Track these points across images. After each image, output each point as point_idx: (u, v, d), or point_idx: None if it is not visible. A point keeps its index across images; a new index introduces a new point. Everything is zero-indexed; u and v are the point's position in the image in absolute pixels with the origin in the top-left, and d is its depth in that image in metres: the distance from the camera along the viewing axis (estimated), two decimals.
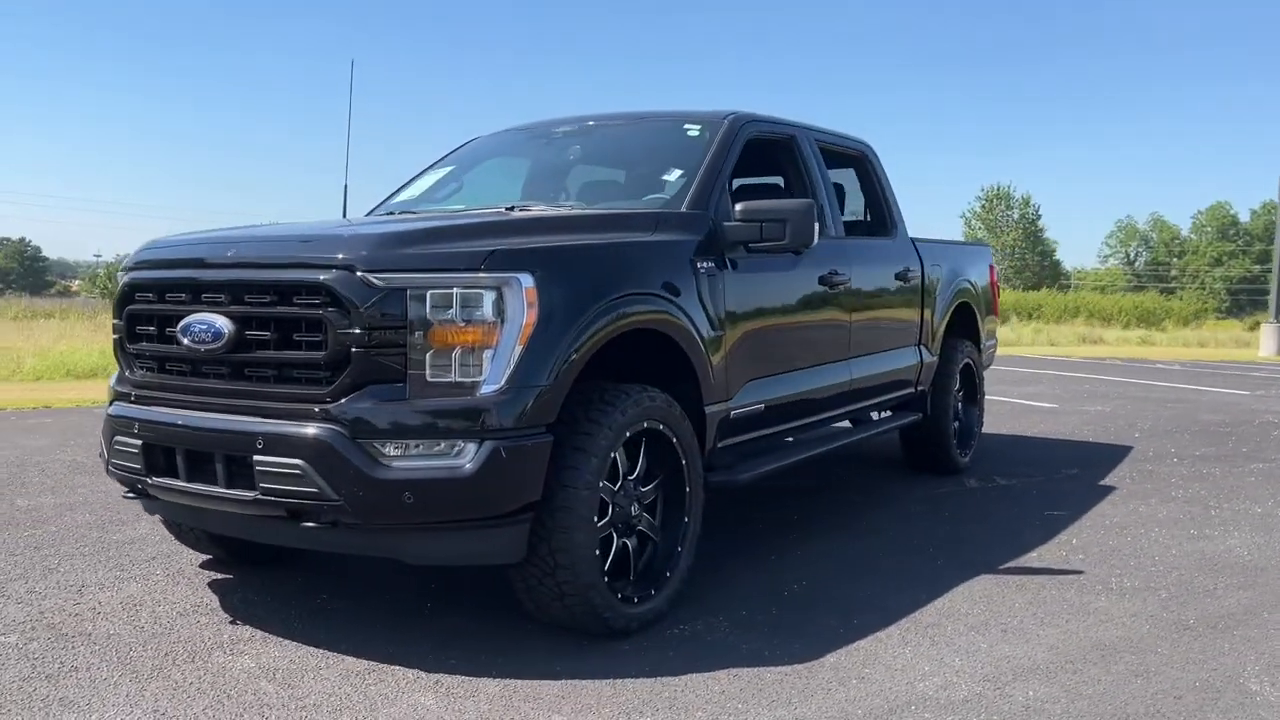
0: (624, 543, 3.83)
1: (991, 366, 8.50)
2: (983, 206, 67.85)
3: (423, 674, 3.40)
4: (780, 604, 4.17)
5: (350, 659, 3.52)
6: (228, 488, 3.48)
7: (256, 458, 3.38)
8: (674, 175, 4.66)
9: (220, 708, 3.12)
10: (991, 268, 7.70)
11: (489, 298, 3.35)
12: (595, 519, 3.56)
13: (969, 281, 7.09)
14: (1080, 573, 4.67)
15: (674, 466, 3.99)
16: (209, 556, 4.63)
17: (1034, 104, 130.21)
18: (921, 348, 6.37)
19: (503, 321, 3.36)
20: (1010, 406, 11.00)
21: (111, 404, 3.93)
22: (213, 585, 4.30)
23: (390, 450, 3.30)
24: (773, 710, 3.15)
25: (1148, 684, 3.39)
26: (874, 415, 6.31)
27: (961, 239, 8.47)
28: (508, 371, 3.34)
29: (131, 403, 3.83)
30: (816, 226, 4.47)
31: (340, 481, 3.29)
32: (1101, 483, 6.71)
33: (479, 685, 3.32)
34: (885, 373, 5.91)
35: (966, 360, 7.00)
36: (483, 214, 4.40)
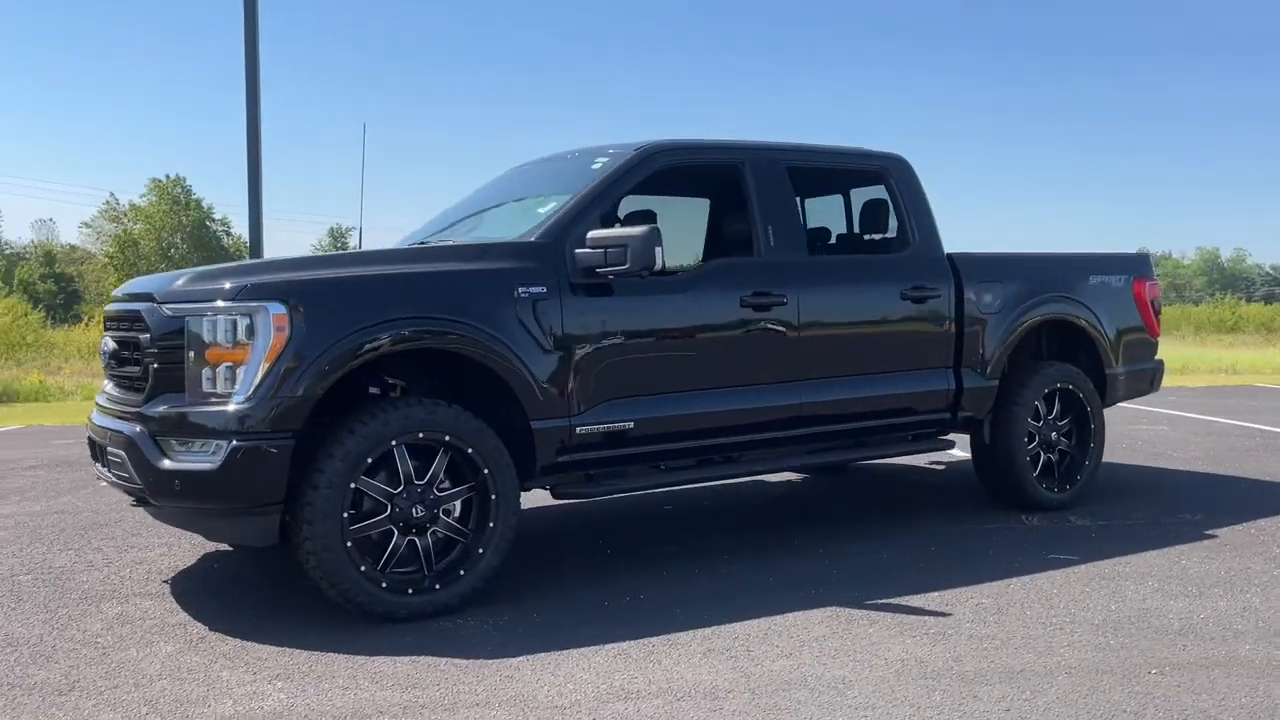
0: (411, 540, 4.27)
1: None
2: None
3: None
4: (583, 612, 4.34)
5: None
6: (109, 475, 4.50)
7: (109, 449, 4.37)
8: (547, 207, 4.99)
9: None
10: (1140, 283, 6.78)
11: (242, 323, 4.03)
12: (343, 514, 4.06)
13: (1070, 299, 6.36)
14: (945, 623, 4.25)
15: (478, 475, 4.36)
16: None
17: None
18: (962, 371, 5.90)
19: (254, 342, 4.02)
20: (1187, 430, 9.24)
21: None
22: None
23: (175, 446, 4.10)
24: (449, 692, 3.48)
25: None
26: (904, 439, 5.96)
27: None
28: (255, 385, 3.99)
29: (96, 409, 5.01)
30: (659, 251, 4.58)
31: (140, 470, 4.15)
32: (1208, 531, 5.69)
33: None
34: (882, 397, 5.61)
35: (1062, 387, 6.28)
36: (293, 257, 4.93)
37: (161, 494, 4.14)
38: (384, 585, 4.17)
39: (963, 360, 5.92)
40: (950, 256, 5.95)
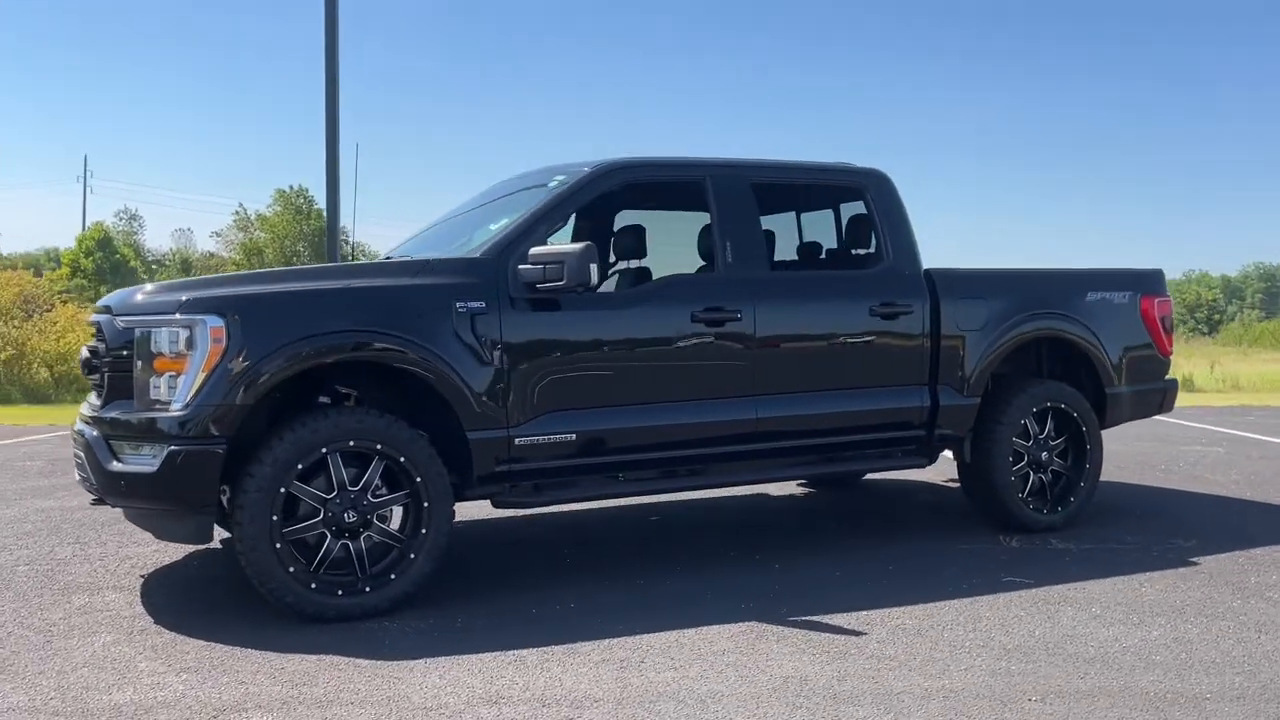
0: (344, 543, 4.47)
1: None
2: None
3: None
4: (506, 619, 4.47)
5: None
6: (77, 474, 4.84)
7: (75, 450, 4.70)
8: (499, 224, 5.14)
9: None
10: (1148, 299, 6.56)
11: (183, 335, 4.30)
12: (272, 517, 4.28)
13: (1063, 316, 6.21)
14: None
15: (412, 483, 4.54)
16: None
17: None
18: (939, 388, 5.83)
19: (192, 353, 4.28)
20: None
21: None
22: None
23: (124, 449, 4.39)
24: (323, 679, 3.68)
25: None
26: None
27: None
28: (192, 393, 4.25)
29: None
30: (594, 267, 4.70)
31: (95, 470, 4.46)
32: (1192, 559, 5.49)
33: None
34: (848, 413, 5.59)
35: (1054, 406, 6.13)
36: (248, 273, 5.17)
37: (111, 493, 4.43)
38: (313, 586, 4.38)
39: (939, 377, 5.84)
40: (928, 272, 5.89)
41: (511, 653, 4.01)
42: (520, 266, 4.78)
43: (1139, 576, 5.11)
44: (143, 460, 4.31)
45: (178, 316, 4.32)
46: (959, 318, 5.90)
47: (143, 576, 5.23)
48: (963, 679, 3.72)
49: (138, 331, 4.39)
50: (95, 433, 4.50)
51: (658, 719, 3.38)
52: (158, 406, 4.31)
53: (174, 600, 4.83)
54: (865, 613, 4.51)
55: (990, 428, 5.99)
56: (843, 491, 7.65)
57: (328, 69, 14.08)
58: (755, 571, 5.25)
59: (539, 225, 4.99)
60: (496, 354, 4.72)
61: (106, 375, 4.53)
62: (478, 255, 4.89)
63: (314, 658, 3.96)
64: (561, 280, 4.69)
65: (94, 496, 4.69)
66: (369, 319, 4.54)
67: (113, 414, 4.45)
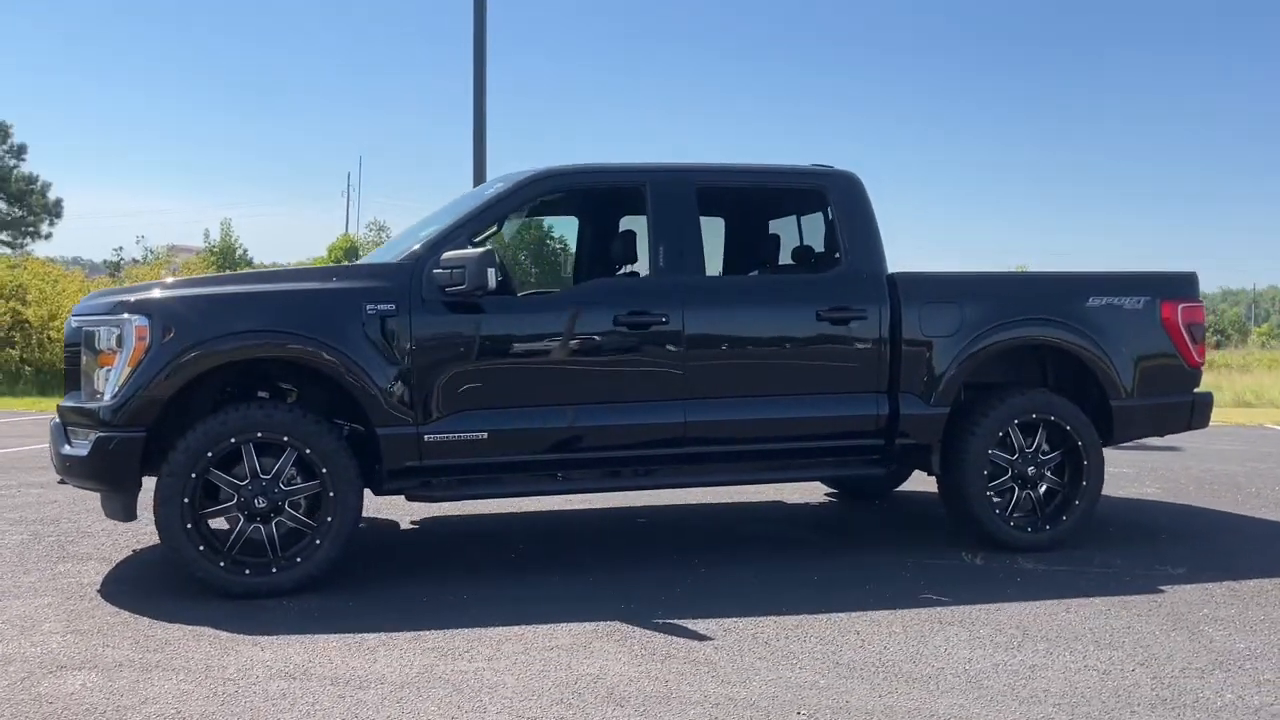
0: (257, 526, 4.85)
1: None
2: None
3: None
4: (394, 605, 4.71)
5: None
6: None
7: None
8: (428, 230, 5.39)
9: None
10: (1171, 305, 6.04)
11: (114, 333, 4.81)
12: (183, 499, 4.71)
13: (1054, 322, 5.82)
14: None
15: (319, 474, 4.87)
16: None
17: None
18: (900, 396, 5.61)
19: (121, 350, 4.78)
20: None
21: None
22: None
23: (75, 435, 4.96)
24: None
25: None
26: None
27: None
28: (118, 386, 4.75)
29: None
30: (491, 272, 4.88)
31: (54, 453, 5.05)
32: (1163, 585, 5.04)
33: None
34: (788, 420, 5.48)
35: (1042, 418, 5.76)
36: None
37: (64, 474, 5.00)
38: (222, 564, 4.78)
39: (900, 384, 5.63)
40: (891, 276, 5.68)
41: (358, 636, 4.25)
42: (434, 270, 5.02)
43: (1075, 601, 4.77)
44: (81, 446, 4.84)
45: (112, 316, 4.84)
46: (924, 323, 5.65)
47: (136, 550, 5.82)
48: (753, 690, 3.65)
49: (85, 330, 4.94)
50: (57, 420, 5.09)
51: (423, 701, 3.53)
52: (96, 397, 4.84)
53: (140, 573, 5.36)
54: (743, 620, 4.45)
55: (962, 439, 5.70)
56: (866, 500, 7.44)
57: (475, 87, 14.84)
58: (671, 573, 5.25)
59: (459, 231, 5.21)
60: (406, 354, 4.97)
61: (67, 369, 5.12)
62: (393, 260, 5.18)
63: (189, 628, 4.34)
64: (462, 284, 4.90)
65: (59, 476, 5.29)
66: (281, 321, 4.90)
67: (69, 403, 5.02)
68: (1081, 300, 5.91)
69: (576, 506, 7.03)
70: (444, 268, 4.97)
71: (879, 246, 5.72)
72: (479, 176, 14.84)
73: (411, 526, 6.57)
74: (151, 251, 38.78)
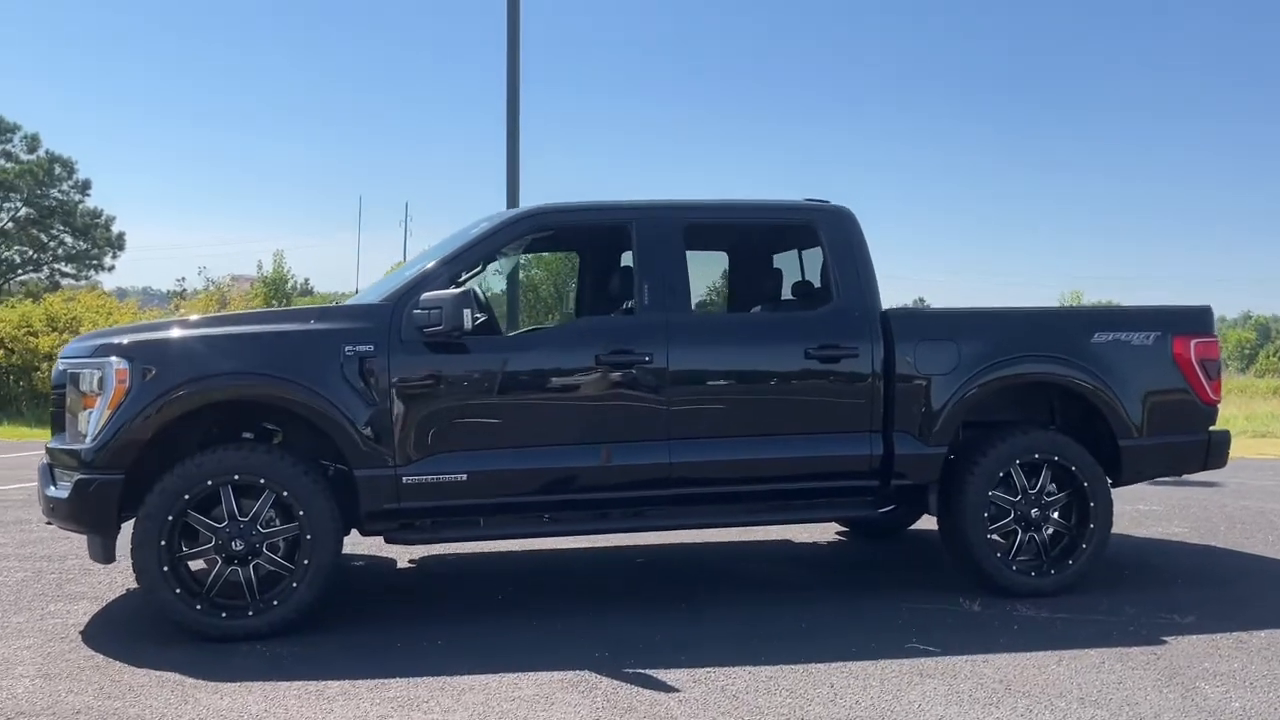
0: (235, 569, 4.84)
1: None
2: None
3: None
4: (366, 651, 4.66)
5: None
6: None
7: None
8: (411, 270, 5.38)
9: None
10: (1183, 340, 5.82)
11: (95, 376, 4.85)
12: (160, 542, 4.72)
13: (1057, 358, 5.64)
14: None
15: (296, 517, 4.85)
16: None
17: None
18: (894, 435, 5.46)
19: (103, 393, 4.82)
20: None
21: None
22: None
23: (58, 476, 5.00)
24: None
25: None
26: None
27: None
28: (99, 428, 4.78)
29: None
30: (468, 313, 4.85)
31: (40, 494, 5.10)
32: (1166, 636, 4.82)
33: None
34: (777, 460, 5.36)
35: (1045, 458, 5.57)
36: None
37: (48, 515, 5.04)
38: (198, 607, 4.77)
39: (895, 423, 5.48)
40: (885, 313, 5.55)
41: (321, 684, 4.20)
42: (413, 311, 5.00)
43: (1069, 653, 4.57)
44: (63, 486, 4.88)
45: (95, 359, 4.88)
46: (919, 361, 5.51)
47: (128, 589, 5.84)
48: None
49: (70, 372, 4.99)
50: (45, 460, 5.14)
51: None
52: (80, 439, 4.88)
53: (128, 614, 5.37)
54: (717, 670, 4.34)
55: (961, 479, 5.53)
56: (877, 539, 7.25)
57: (509, 123, 14.91)
58: (656, 618, 5.14)
59: (441, 271, 5.19)
60: (384, 396, 4.95)
61: (53, 411, 5.17)
62: (375, 301, 5.17)
63: (155, 673, 4.32)
64: (439, 325, 4.87)
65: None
66: (258, 363, 4.91)
67: (55, 445, 5.07)
68: (1086, 336, 5.72)
69: (576, 544, 6.94)
70: (423, 308, 4.95)
71: (871, 283, 5.59)
72: (512, 204, 14.92)
73: (409, 565, 6.54)
74: (213, 281, 39.71)
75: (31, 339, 20.56)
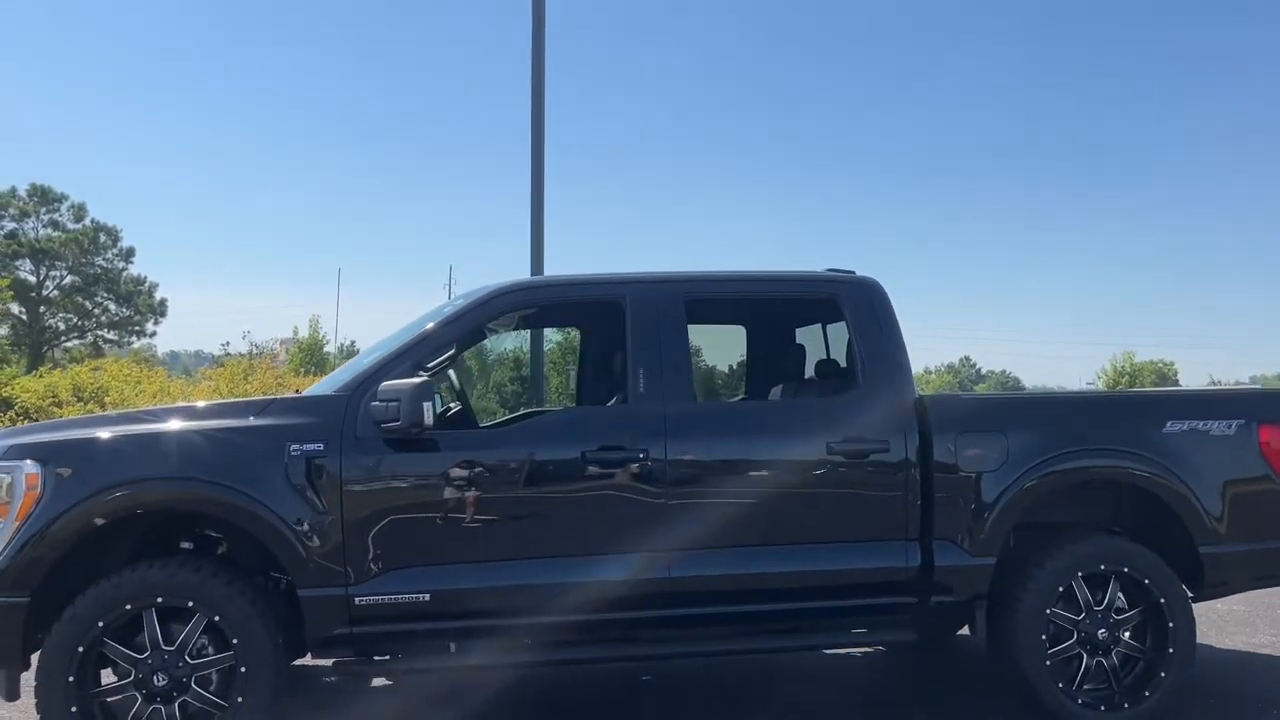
0: (158, 709, 4.14)
1: None
2: None
3: None
4: None
5: None
6: None
7: None
8: (371, 355, 4.73)
9: None
10: (1271, 429, 5.00)
11: (4, 481, 4.22)
12: (68, 678, 4.04)
13: (1123, 451, 4.84)
14: None
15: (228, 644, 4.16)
16: None
17: None
18: (934, 543, 4.68)
19: (12, 501, 4.19)
20: None
21: None
22: None
23: None
24: None
25: None
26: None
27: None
28: (4, 544, 4.14)
29: None
30: (428, 406, 4.19)
31: None
32: None
33: None
34: (794, 573, 4.59)
35: (1112, 569, 4.76)
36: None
37: None
38: None
39: (934, 529, 4.70)
40: (920, 400, 4.80)
41: None
42: (371, 404, 4.33)
43: None
44: None
45: (4, 463, 4.25)
46: (962, 456, 4.75)
47: None
48: None
49: None
50: None
51: None
52: None
53: None
54: None
55: (1013, 594, 4.72)
56: (916, 650, 6.39)
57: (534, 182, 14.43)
58: None
59: (405, 356, 4.53)
60: (334, 502, 4.28)
61: None
62: (327, 392, 4.52)
63: None
64: (397, 420, 4.20)
65: None
66: (187, 465, 4.26)
67: None
68: (1157, 425, 4.92)
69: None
70: (381, 400, 4.28)
71: (903, 364, 4.85)
72: (536, 269, 14.37)
73: (383, 683, 5.79)
74: (256, 346, 39.64)
75: (57, 410, 20.24)
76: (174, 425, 4.41)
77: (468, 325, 4.71)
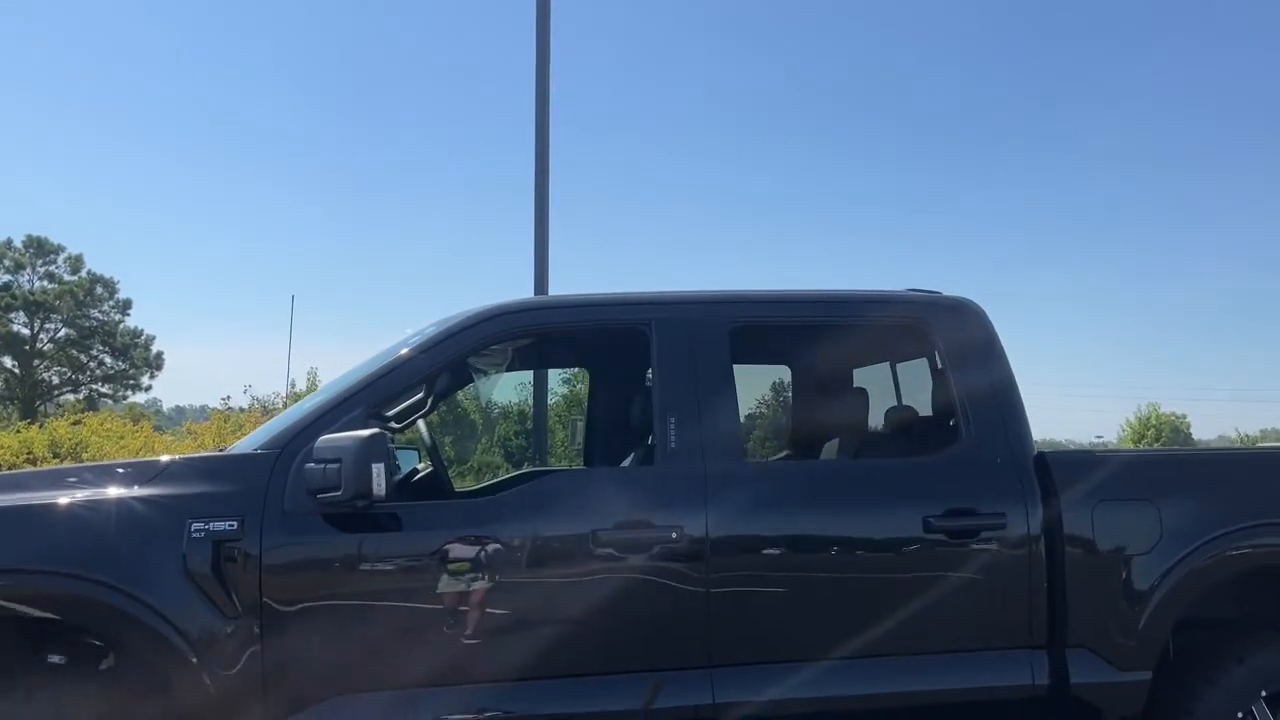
0: None
1: None
2: None
3: None
4: None
5: None
6: None
7: None
8: (314, 400, 3.55)
9: None
10: None
11: None
12: None
13: None
14: None
15: None
16: None
17: None
18: (1067, 652, 3.46)
19: None
20: None
21: None
22: None
23: None
24: None
25: None
26: None
27: None
28: None
29: None
30: (378, 470, 3.00)
31: None
32: None
33: None
34: (879, 697, 3.37)
35: None
36: None
37: None
38: None
39: (1068, 635, 3.48)
40: (1042, 457, 3.61)
41: None
42: (306, 465, 3.14)
43: None
44: None
45: None
46: (1103, 534, 3.53)
47: None
48: None
49: None
50: None
51: None
52: None
53: None
54: None
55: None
56: None
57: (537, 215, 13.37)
58: None
59: (355, 402, 3.35)
60: (251, 604, 3.08)
61: None
62: (247, 450, 3.34)
63: None
64: (337, 489, 3.01)
65: None
66: (45, 549, 3.07)
67: None
68: None
69: None
70: (318, 460, 3.09)
71: (1018, 410, 3.65)
72: (540, 286, 13.23)
73: None
74: (257, 399, 38.35)
75: (31, 467, 19.08)
76: (34, 494, 3.22)
77: (442, 358, 3.51)
